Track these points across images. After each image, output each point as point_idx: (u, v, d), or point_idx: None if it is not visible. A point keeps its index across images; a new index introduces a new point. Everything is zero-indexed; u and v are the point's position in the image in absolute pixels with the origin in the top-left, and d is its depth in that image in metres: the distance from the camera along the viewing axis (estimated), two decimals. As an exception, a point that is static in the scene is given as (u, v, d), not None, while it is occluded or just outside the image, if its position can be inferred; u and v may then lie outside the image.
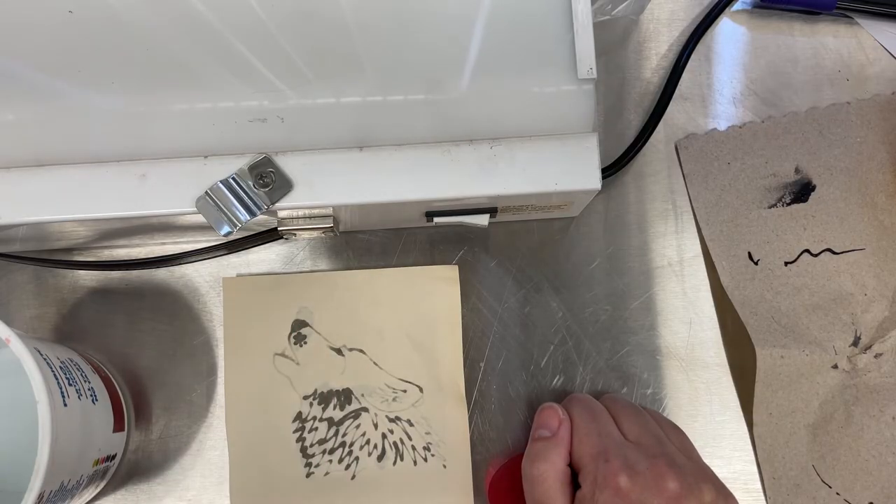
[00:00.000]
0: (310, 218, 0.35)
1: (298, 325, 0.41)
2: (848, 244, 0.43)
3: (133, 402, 0.41)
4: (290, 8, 0.34)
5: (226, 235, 0.33)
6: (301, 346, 0.41)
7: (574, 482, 0.34)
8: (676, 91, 0.44)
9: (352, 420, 0.40)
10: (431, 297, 0.41)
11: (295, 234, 0.37)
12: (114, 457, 0.38)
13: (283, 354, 0.40)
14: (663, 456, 0.33)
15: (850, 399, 0.41)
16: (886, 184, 0.43)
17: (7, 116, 0.34)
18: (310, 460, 0.40)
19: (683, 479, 0.32)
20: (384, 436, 0.40)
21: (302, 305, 0.41)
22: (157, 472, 0.40)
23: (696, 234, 0.43)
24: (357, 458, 0.40)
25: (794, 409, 0.41)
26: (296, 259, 0.42)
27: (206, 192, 0.33)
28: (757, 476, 0.41)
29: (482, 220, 0.38)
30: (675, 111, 0.45)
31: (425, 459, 0.40)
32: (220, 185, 0.33)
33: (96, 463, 0.36)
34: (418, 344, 0.40)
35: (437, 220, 0.38)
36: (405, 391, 0.40)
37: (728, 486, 0.40)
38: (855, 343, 0.42)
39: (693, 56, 0.45)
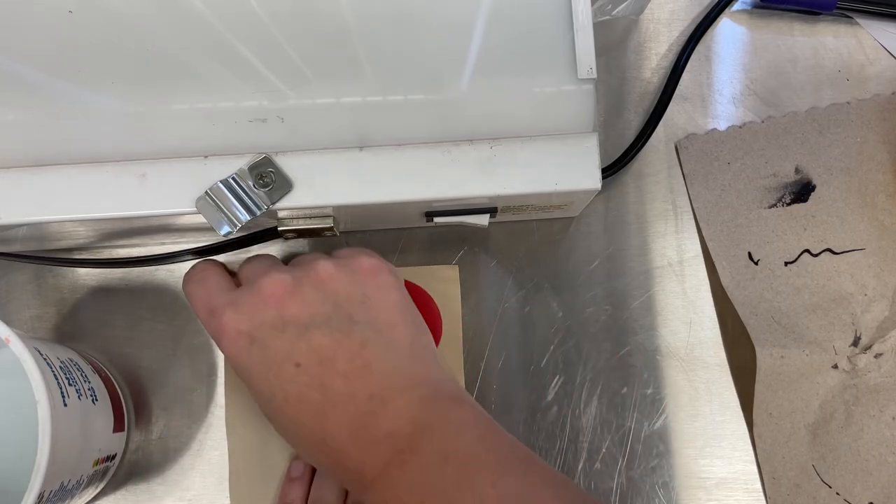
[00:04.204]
0: (310, 218, 0.35)
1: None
2: (848, 244, 0.43)
3: (133, 402, 0.41)
4: (290, 8, 0.34)
5: (226, 235, 0.33)
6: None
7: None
8: (676, 91, 0.44)
9: (352, 420, 0.40)
10: (432, 296, 0.41)
11: (295, 234, 0.37)
12: (114, 457, 0.38)
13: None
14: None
15: (850, 399, 0.41)
16: (886, 184, 0.43)
17: (7, 116, 0.34)
18: (310, 460, 0.40)
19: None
20: (384, 436, 0.40)
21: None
22: (157, 472, 0.40)
23: (696, 234, 0.43)
24: (357, 458, 0.40)
25: (794, 409, 0.41)
26: (296, 259, 0.42)
27: (206, 192, 0.33)
28: (757, 476, 0.41)
29: (482, 220, 0.38)
30: (675, 111, 0.45)
31: (425, 459, 0.40)
32: (220, 185, 0.33)
33: (96, 463, 0.36)
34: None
35: (437, 220, 0.38)
36: (405, 391, 0.40)
37: (728, 486, 0.40)
38: (855, 343, 0.42)
39: (693, 56, 0.45)
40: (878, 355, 0.42)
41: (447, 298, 0.41)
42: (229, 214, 0.33)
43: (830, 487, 0.40)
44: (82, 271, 0.42)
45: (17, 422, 0.38)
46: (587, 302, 0.42)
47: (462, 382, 0.40)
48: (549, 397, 0.41)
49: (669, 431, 0.41)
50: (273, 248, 0.42)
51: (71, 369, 0.35)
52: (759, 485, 0.40)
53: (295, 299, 0.31)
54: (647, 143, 0.44)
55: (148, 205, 0.33)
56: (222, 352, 0.32)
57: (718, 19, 0.46)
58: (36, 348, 0.32)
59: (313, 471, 0.38)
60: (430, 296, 0.40)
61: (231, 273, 0.35)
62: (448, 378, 0.33)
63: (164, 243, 0.42)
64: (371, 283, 0.32)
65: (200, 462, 0.40)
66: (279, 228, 0.36)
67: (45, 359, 0.33)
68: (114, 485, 0.40)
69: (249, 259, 0.35)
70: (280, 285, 0.31)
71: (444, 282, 0.41)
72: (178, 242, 0.42)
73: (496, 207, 0.37)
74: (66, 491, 0.33)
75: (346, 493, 0.36)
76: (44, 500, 0.31)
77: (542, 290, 0.42)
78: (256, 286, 0.31)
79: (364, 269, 0.33)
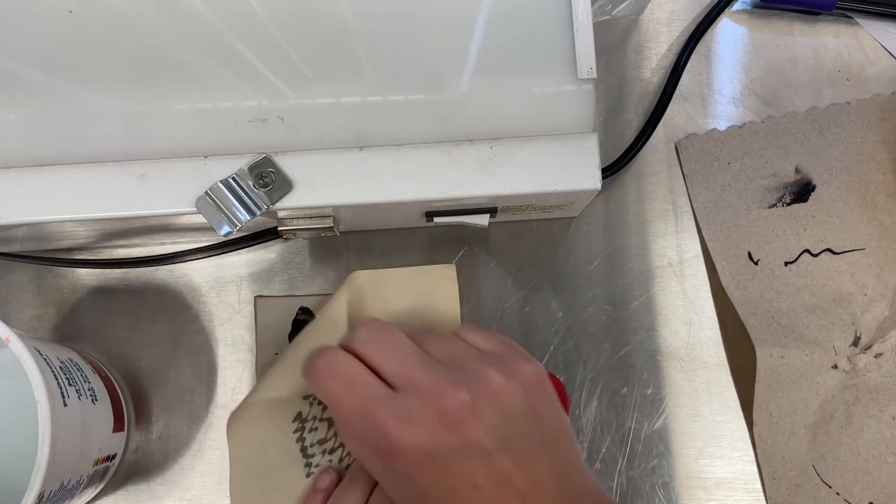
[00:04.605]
0: (310, 218, 0.35)
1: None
2: (848, 244, 0.43)
3: (133, 402, 0.41)
4: (290, 8, 0.34)
5: (226, 235, 0.33)
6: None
7: None
8: (676, 91, 0.44)
9: (352, 420, 0.40)
10: (431, 297, 0.41)
11: (295, 234, 0.37)
12: (114, 457, 0.38)
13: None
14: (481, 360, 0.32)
15: (850, 399, 0.41)
16: (886, 184, 0.43)
17: (7, 116, 0.34)
18: (310, 460, 0.39)
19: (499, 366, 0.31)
20: (384, 436, 0.40)
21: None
22: (157, 472, 0.40)
23: (696, 234, 0.43)
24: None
25: (794, 409, 0.41)
26: (295, 259, 0.42)
27: (206, 192, 0.33)
28: (757, 476, 0.41)
29: (482, 220, 0.38)
30: (675, 111, 0.45)
31: (425, 459, 0.40)
32: (220, 185, 0.33)
33: (96, 463, 0.36)
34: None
35: (437, 220, 0.38)
36: (405, 391, 0.40)
37: (728, 486, 0.40)
38: (855, 343, 0.42)
39: (693, 56, 0.45)
40: (878, 355, 0.42)
41: (446, 298, 0.41)
42: (229, 214, 0.33)
43: (830, 487, 0.40)
44: (82, 271, 0.42)
45: (17, 422, 0.38)
46: (587, 302, 0.42)
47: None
48: (549, 397, 0.41)
49: (669, 431, 0.41)
50: (273, 248, 0.42)
51: (71, 369, 0.35)
52: (759, 485, 0.40)
53: (476, 421, 0.29)
54: (647, 143, 0.44)
55: (148, 205, 0.33)
56: (381, 466, 0.31)
57: (718, 19, 0.46)
58: (36, 348, 0.32)
59: (338, 483, 0.37)
60: (561, 383, 0.40)
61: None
62: (598, 484, 0.33)
63: (164, 243, 0.42)
64: (537, 394, 0.32)
65: (200, 462, 0.40)
66: (279, 228, 0.36)
67: (45, 359, 0.33)
68: (114, 485, 0.40)
69: (385, 346, 0.32)
70: (461, 407, 0.29)
71: (442, 281, 0.41)
72: (178, 242, 0.42)
73: (496, 207, 0.37)
74: (66, 491, 0.33)
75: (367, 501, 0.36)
76: (44, 500, 0.31)
77: (542, 290, 0.42)
78: (431, 402, 0.30)
79: (529, 380, 0.32)
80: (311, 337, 0.39)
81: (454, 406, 0.29)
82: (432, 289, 0.41)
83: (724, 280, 0.42)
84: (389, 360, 0.31)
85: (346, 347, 0.32)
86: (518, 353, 0.33)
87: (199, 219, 0.33)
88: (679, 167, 0.44)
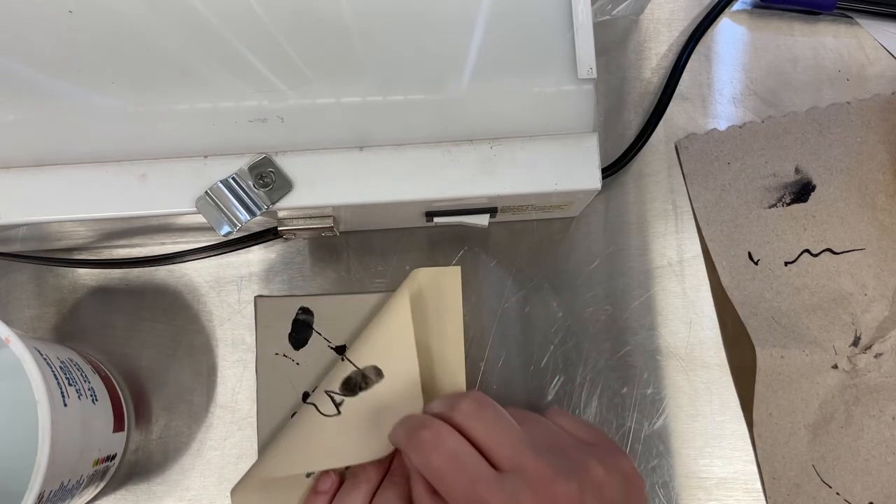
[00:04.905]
0: (310, 218, 0.35)
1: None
2: (848, 244, 0.43)
3: (133, 402, 0.41)
4: (290, 8, 0.34)
5: (226, 235, 0.33)
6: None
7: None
8: (676, 91, 0.44)
9: (352, 420, 0.40)
10: (433, 297, 0.41)
11: (295, 234, 0.37)
12: (114, 457, 0.38)
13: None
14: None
15: (850, 399, 0.41)
16: (886, 184, 0.43)
17: (7, 116, 0.34)
18: (310, 460, 0.39)
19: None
20: (384, 436, 0.40)
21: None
22: (157, 472, 0.40)
23: (696, 234, 0.43)
24: (357, 458, 0.40)
25: (794, 409, 0.41)
26: (296, 259, 0.42)
27: (206, 192, 0.33)
28: (757, 476, 0.41)
29: (482, 220, 0.38)
30: (675, 111, 0.45)
31: (425, 459, 0.40)
32: (220, 185, 0.33)
33: (96, 463, 0.36)
34: (420, 345, 0.40)
35: (437, 220, 0.38)
36: (405, 391, 0.40)
37: (728, 486, 0.40)
38: (855, 343, 0.42)
39: (693, 56, 0.45)
40: (878, 355, 0.42)
41: (449, 299, 0.41)
42: (229, 214, 0.33)
43: (830, 487, 0.40)
44: (82, 271, 0.42)
45: (17, 422, 0.38)
46: (587, 302, 0.42)
47: (463, 383, 0.40)
48: (549, 397, 0.41)
49: (669, 431, 0.41)
50: (273, 248, 0.42)
51: (71, 369, 0.35)
52: (759, 485, 0.40)
53: None
54: (647, 143, 0.44)
55: (148, 205, 0.33)
56: None
57: (718, 19, 0.46)
58: (36, 348, 0.33)
59: (339, 486, 0.38)
60: (640, 475, 0.41)
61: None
62: None
63: (164, 243, 0.42)
64: (632, 488, 0.32)
65: (200, 462, 0.40)
66: (279, 228, 0.36)
67: (45, 359, 0.33)
68: (114, 485, 0.40)
69: (492, 425, 0.32)
70: (569, 496, 0.30)
71: (446, 282, 0.41)
72: (178, 242, 0.42)
73: (496, 207, 0.37)
74: (66, 491, 0.33)
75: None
76: (44, 499, 0.31)
77: (542, 290, 0.42)
78: (541, 490, 0.30)
79: (626, 474, 0.32)
80: (383, 398, 0.38)
81: (563, 495, 0.29)
82: (435, 289, 0.41)
83: (724, 280, 0.42)
84: (497, 440, 0.31)
85: (449, 420, 0.32)
86: (612, 444, 0.34)
87: (199, 219, 0.33)
88: (679, 167, 0.44)
